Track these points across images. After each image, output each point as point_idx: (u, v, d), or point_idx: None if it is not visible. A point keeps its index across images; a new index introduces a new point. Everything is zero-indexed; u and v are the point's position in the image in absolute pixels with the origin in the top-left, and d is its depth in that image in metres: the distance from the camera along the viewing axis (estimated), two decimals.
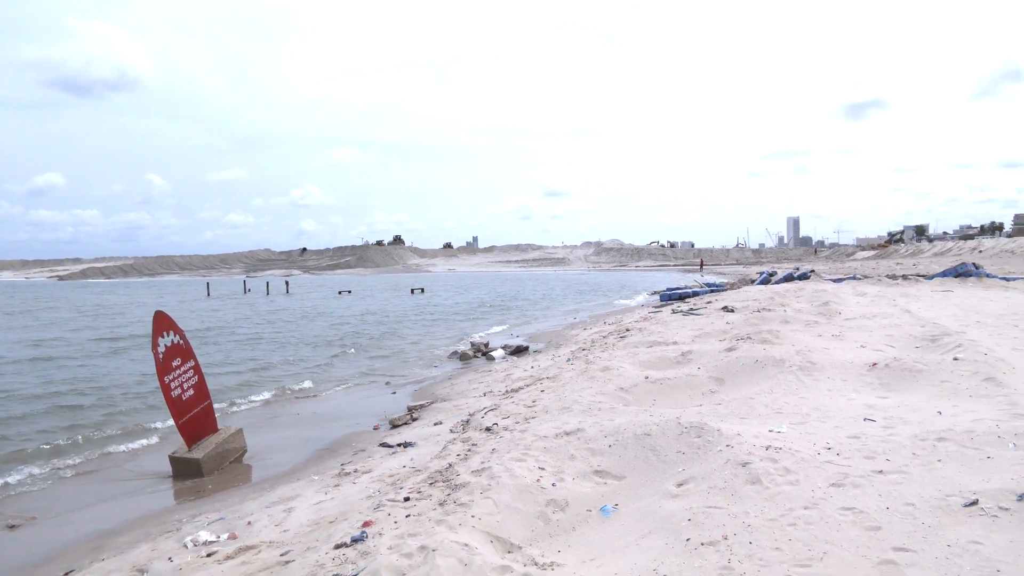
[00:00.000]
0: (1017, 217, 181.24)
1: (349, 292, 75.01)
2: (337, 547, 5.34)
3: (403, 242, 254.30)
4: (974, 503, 4.42)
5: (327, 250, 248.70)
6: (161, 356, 10.28)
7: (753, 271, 58.66)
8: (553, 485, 5.96)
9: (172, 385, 10.35)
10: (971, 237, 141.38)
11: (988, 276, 30.81)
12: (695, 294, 32.63)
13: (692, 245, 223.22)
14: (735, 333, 13.61)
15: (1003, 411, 6.85)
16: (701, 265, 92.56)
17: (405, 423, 12.03)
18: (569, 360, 15.00)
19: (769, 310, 17.22)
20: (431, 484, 6.57)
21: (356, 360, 21.87)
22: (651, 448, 6.42)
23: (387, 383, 17.31)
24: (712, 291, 33.53)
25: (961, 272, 31.75)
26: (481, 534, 5.12)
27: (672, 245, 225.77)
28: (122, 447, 11.94)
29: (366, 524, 5.70)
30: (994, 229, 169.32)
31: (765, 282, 33.74)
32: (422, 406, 13.31)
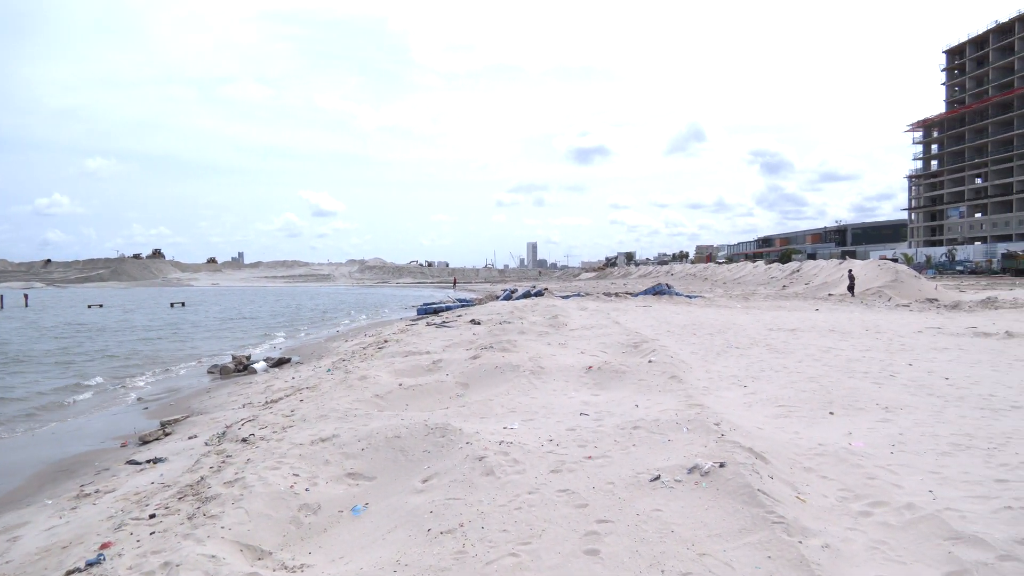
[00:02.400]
0: (698, 248, 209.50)
1: (100, 306, 65.86)
2: (69, 573, 4.65)
3: (163, 256, 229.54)
4: (657, 478, 5.00)
5: (76, 262, 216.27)
6: None
7: (498, 288, 61.47)
8: (307, 490, 5.72)
9: None
10: (666, 263, 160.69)
11: (677, 294, 35.22)
12: (448, 308, 33.34)
13: (447, 264, 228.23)
14: (480, 343, 14.11)
15: (682, 402, 7.85)
16: (454, 283, 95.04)
17: (157, 439, 10.82)
18: (329, 370, 14.54)
19: (509, 322, 18.11)
20: (180, 499, 5.97)
21: (104, 376, 19.27)
22: (400, 449, 6.43)
23: (139, 399, 15.47)
24: (463, 306, 34.50)
25: (658, 291, 35.93)
26: (231, 544, 4.76)
27: (430, 264, 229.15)
28: None
29: (104, 546, 5.02)
30: (682, 256, 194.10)
31: (508, 298, 35.47)
32: (176, 420, 12.08)
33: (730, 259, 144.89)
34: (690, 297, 33.78)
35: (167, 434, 11.06)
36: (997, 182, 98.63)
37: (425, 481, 5.60)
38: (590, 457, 5.70)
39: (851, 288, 32.71)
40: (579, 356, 12.31)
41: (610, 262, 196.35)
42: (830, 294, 34.52)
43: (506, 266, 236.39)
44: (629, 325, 18.06)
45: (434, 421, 7.04)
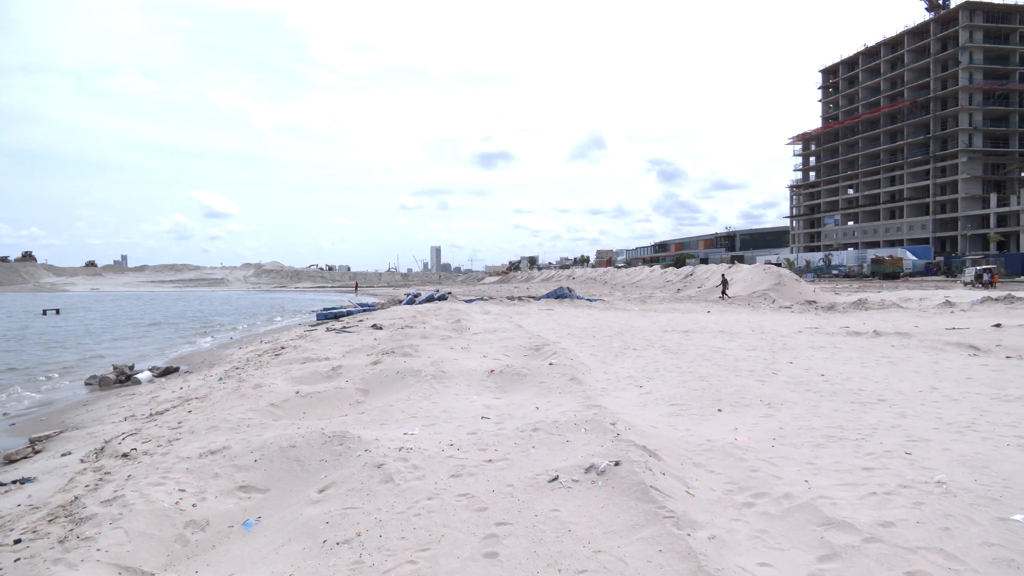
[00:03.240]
0: (599, 252, 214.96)
1: None
2: None
3: (34, 259, 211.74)
4: (555, 479, 5.08)
5: None
6: None
7: (401, 292, 60.74)
8: (194, 506, 5.43)
9: None
10: (568, 267, 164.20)
11: (578, 298, 35.99)
12: (349, 313, 32.64)
13: (349, 268, 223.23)
14: (381, 348, 13.89)
15: (581, 403, 8.02)
16: (356, 287, 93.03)
17: (25, 457, 9.96)
18: (221, 379, 13.89)
19: (411, 327, 17.94)
20: (51, 521, 5.53)
21: None
22: (296, 459, 6.22)
23: (4, 414, 14.21)
24: (364, 311, 33.86)
25: (559, 294, 36.60)
26: (108, 567, 4.45)
27: (330, 268, 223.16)
28: None
29: None
30: (583, 261, 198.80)
31: (411, 302, 35.09)
32: (48, 437, 11.17)
33: (629, 263, 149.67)
34: (590, 301, 34.62)
35: (37, 452, 10.22)
36: (866, 193, 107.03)
37: (322, 491, 5.45)
38: (490, 460, 5.72)
39: (724, 291, 35.34)
40: (482, 360, 12.35)
41: (514, 266, 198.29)
42: (720, 297, 36.29)
43: (409, 270, 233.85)
44: (531, 328, 18.29)
45: (332, 429, 6.86)
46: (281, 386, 10.71)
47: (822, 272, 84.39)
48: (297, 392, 9.98)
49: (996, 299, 27.35)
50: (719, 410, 8.01)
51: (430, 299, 35.72)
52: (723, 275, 37.02)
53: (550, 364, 11.17)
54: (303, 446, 6.42)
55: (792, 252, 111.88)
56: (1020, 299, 27.41)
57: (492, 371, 10.82)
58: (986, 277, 45.01)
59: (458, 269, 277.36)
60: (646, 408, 8.27)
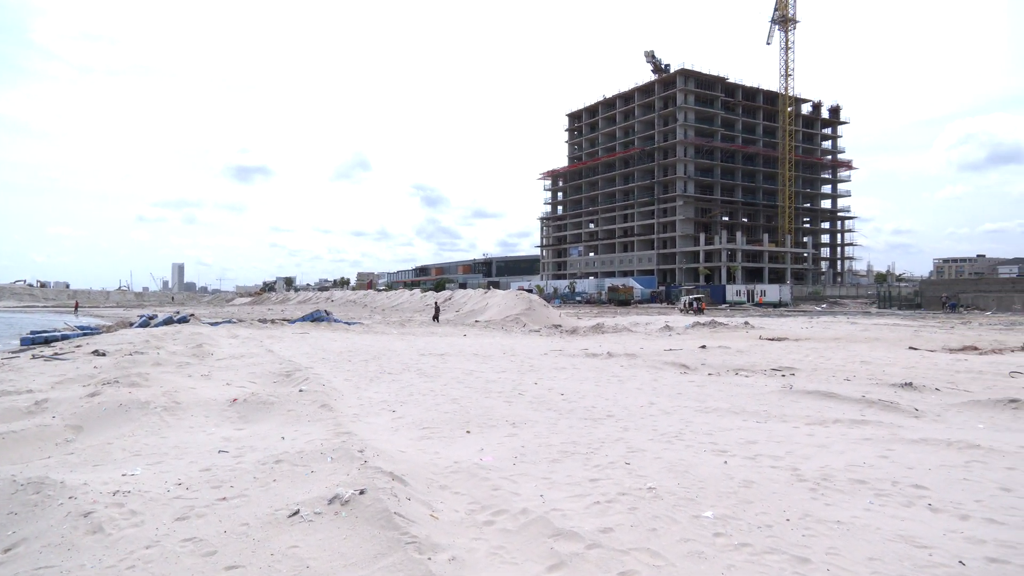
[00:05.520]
0: (360, 274, 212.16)
1: None
2: None
3: None
4: (296, 513, 4.84)
5: None
6: None
7: (134, 314, 54.12)
8: None
9: None
10: (327, 289, 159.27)
11: (336, 321, 35.06)
12: (65, 337, 28.25)
13: (67, 286, 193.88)
14: (102, 377, 12.22)
15: (330, 431, 7.77)
16: (76, 307, 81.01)
17: None
18: None
19: (143, 353, 16.05)
20: None
21: None
22: None
23: None
24: (85, 334, 29.57)
25: (316, 317, 35.33)
26: None
27: (43, 285, 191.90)
28: None
29: None
30: (343, 283, 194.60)
31: (144, 325, 31.42)
32: None
33: (390, 286, 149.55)
34: (349, 324, 33.92)
35: None
36: (604, 227, 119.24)
37: (7, 551, 4.59)
38: (224, 498, 5.28)
39: (436, 316, 39.98)
40: (224, 388, 11.44)
41: (268, 287, 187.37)
42: (476, 320, 37.74)
43: (146, 289, 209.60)
44: (283, 353, 17.40)
45: (27, 475, 5.83)
46: None
47: (568, 298, 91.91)
48: None
49: (703, 324, 31.95)
50: (467, 431, 8.27)
51: (168, 322, 32.34)
52: (435, 303, 40.66)
53: (300, 391, 10.69)
54: None
55: (542, 279, 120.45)
56: (721, 324, 32.31)
57: (235, 400, 10.06)
58: (695, 305, 52.44)
59: (205, 289, 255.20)
60: (397, 433, 8.26)
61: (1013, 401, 10.07)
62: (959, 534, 4.68)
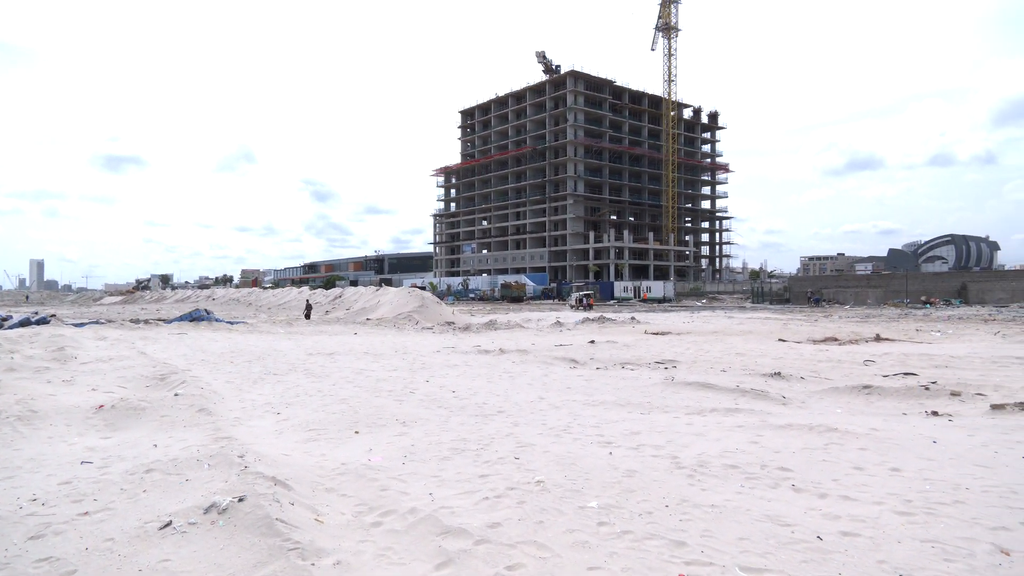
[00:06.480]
0: (244, 271, 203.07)
1: None
2: None
3: None
4: (168, 524, 4.56)
5: None
6: None
7: None
8: None
9: None
10: (208, 287, 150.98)
11: (217, 320, 33.34)
12: None
13: None
14: None
15: (208, 436, 7.39)
16: None
17: None
18: None
19: None
20: None
21: None
22: None
23: None
24: None
25: (196, 317, 33.45)
26: None
27: None
28: None
29: None
30: (226, 280, 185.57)
31: None
32: None
33: (277, 284, 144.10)
34: (231, 323, 32.35)
35: None
36: (498, 225, 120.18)
37: None
38: (87, 513, 4.90)
39: (307, 315, 39.41)
40: (90, 394, 10.61)
41: (142, 285, 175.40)
42: (368, 319, 37.03)
43: None
44: (158, 355, 16.37)
45: None
46: None
47: (461, 295, 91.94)
48: None
49: (592, 319, 32.88)
50: (356, 432, 8.09)
51: (25, 323, 29.57)
52: (307, 300, 40.19)
53: (176, 395, 10.10)
54: None
55: (436, 276, 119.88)
56: (609, 319, 33.37)
57: (101, 406, 9.35)
58: (585, 301, 53.87)
59: (69, 287, 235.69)
60: (282, 436, 7.96)
61: (866, 387, 11.03)
62: (818, 511, 5.06)
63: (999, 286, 55.03)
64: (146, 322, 32.16)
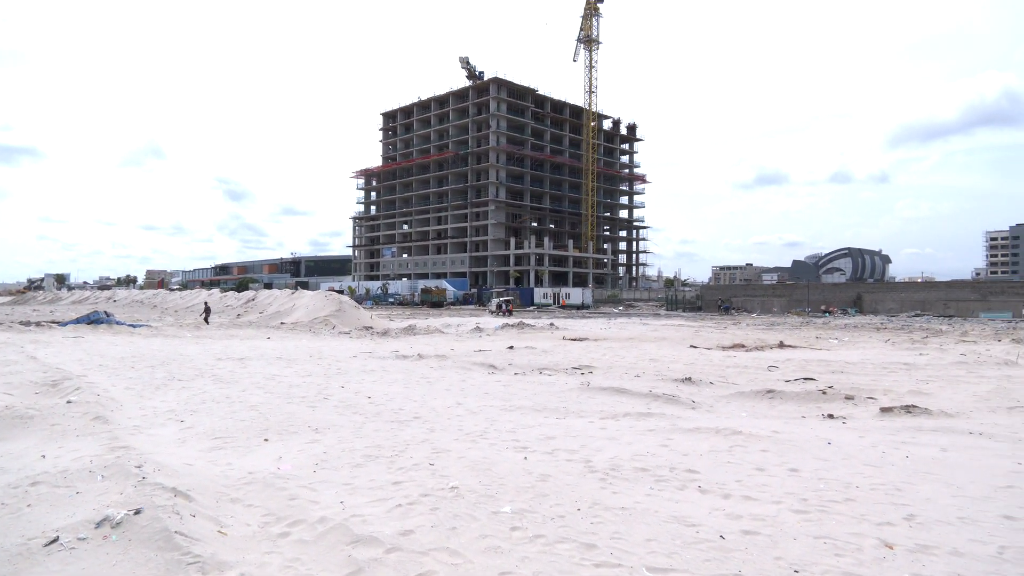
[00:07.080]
0: (149, 272, 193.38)
1: None
2: None
3: None
4: (55, 540, 4.28)
5: None
6: None
7: None
8: None
9: None
10: (109, 287, 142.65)
11: (118, 323, 31.56)
12: None
13: None
14: None
15: (104, 446, 6.97)
16: None
17: None
18: None
19: None
20: None
21: None
22: None
23: None
24: None
25: (94, 319, 31.57)
26: None
27: None
28: None
29: None
30: (130, 281, 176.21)
31: None
32: None
33: (185, 285, 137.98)
34: (134, 326, 30.69)
35: None
36: (419, 229, 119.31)
37: None
38: None
39: (206, 318, 37.61)
40: None
41: (34, 285, 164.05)
42: (282, 323, 35.95)
43: None
44: (50, 360, 15.34)
45: None
46: None
47: (380, 300, 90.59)
48: None
49: (512, 325, 33.09)
50: (266, 440, 7.83)
51: None
52: (205, 302, 39.19)
53: (68, 402, 9.49)
54: None
55: (354, 280, 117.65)
56: (529, 325, 33.67)
57: None
58: (505, 307, 54.17)
59: None
60: (185, 444, 7.61)
61: (770, 392, 11.57)
62: (721, 511, 5.26)
63: (890, 297, 58.97)
64: (38, 324, 30.07)
